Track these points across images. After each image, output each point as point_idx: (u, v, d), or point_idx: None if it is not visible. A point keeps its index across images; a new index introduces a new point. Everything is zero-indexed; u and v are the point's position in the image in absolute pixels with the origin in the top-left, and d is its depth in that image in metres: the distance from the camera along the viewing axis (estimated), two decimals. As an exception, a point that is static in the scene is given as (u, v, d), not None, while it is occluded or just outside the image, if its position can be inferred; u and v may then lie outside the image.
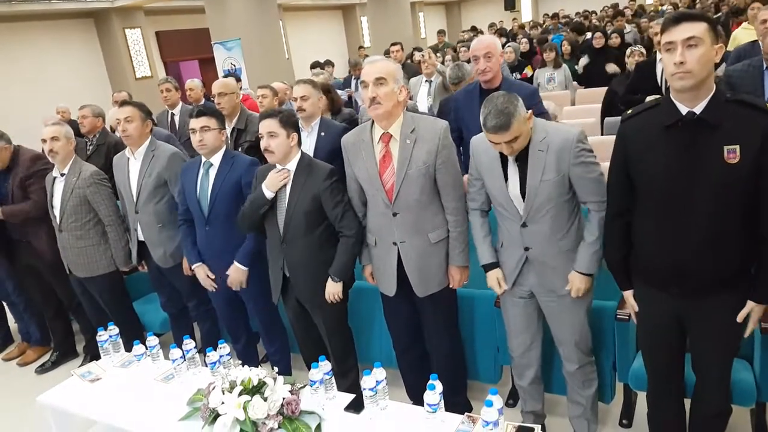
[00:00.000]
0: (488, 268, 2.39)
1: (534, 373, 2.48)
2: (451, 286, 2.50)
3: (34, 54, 9.47)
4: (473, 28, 13.71)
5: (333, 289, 2.59)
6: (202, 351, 2.86)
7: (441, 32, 12.22)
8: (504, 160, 2.16)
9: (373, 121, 2.39)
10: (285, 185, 2.57)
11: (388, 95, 2.24)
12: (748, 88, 3.26)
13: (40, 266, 3.68)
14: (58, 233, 3.33)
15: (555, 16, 13.06)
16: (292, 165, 2.58)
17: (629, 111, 1.97)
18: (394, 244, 2.41)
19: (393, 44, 7.02)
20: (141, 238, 3.20)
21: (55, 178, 3.30)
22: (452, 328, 2.63)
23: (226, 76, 5.94)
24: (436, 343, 2.62)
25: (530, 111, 2.08)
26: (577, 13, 14.16)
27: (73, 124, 4.84)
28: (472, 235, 2.43)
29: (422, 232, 2.39)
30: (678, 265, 1.88)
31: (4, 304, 4.26)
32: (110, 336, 2.86)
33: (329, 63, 8.00)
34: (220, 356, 2.49)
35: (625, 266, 2.10)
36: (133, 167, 3.14)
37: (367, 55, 10.20)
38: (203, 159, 2.88)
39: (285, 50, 8.97)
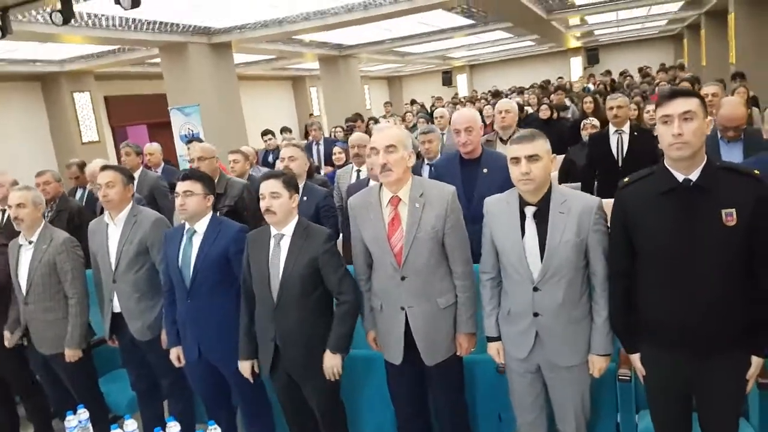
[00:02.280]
0: (491, 339, 2.39)
1: None
2: (458, 353, 2.46)
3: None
4: (413, 101, 14.50)
5: (332, 363, 2.48)
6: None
7: (388, 103, 12.79)
8: (522, 217, 2.18)
9: (381, 184, 2.41)
10: (280, 249, 2.52)
11: (398, 162, 2.27)
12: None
13: None
14: (23, 306, 3.04)
15: (497, 93, 13.85)
16: (290, 228, 2.52)
17: (626, 179, 2.08)
18: (402, 309, 2.37)
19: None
20: (116, 309, 2.99)
21: (20, 246, 3.06)
22: (460, 398, 2.56)
23: (189, 141, 5.87)
24: (443, 414, 2.54)
25: (554, 157, 2.16)
26: (511, 89, 15.16)
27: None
28: (480, 304, 2.42)
29: (431, 297, 2.36)
30: (687, 326, 1.93)
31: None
32: (79, 421, 2.54)
33: (287, 129, 8.08)
34: None
35: (631, 329, 2.14)
36: (112, 233, 2.98)
37: (317, 122, 10.29)
38: (187, 225, 2.78)
39: (242, 117, 9.02)
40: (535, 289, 2.17)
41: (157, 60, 9.89)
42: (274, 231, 2.53)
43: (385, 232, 2.35)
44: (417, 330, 2.36)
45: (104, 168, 3.00)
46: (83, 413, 2.56)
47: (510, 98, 10.38)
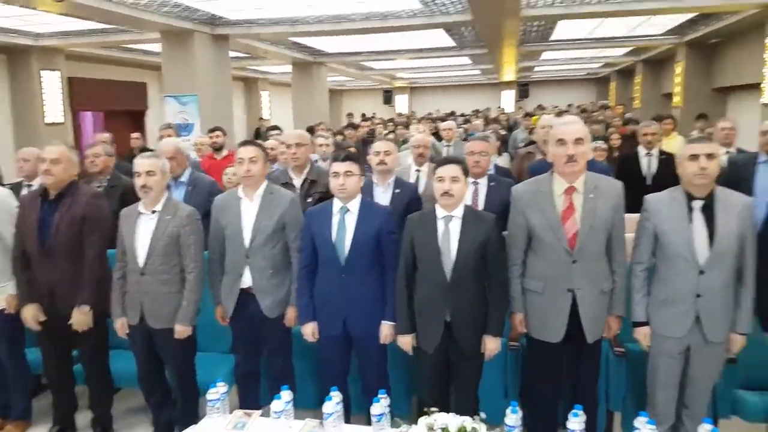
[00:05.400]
0: (639, 324, 2.66)
1: (671, 422, 2.69)
2: (605, 335, 2.70)
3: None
4: (363, 115, 14.90)
5: (495, 345, 2.67)
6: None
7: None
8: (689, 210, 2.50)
9: (552, 174, 2.62)
10: (449, 230, 2.64)
11: (584, 154, 2.51)
12: (741, 174, 4.05)
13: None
14: (138, 276, 2.91)
15: (452, 113, 14.51)
16: (459, 211, 2.65)
17: None
18: (569, 291, 2.57)
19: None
20: (245, 285, 2.95)
21: (140, 214, 2.94)
22: (598, 370, 2.80)
23: (213, 130, 5.73)
24: (585, 383, 2.74)
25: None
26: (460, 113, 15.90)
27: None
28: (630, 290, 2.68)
29: (597, 281, 2.58)
30: None
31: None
32: (221, 395, 2.55)
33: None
34: (338, 404, 2.37)
35: None
36: (247, 209, 2.95)
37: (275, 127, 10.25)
38: (338, 205, 2.83)
39: (232, 111, 8.83)
40: (701, 272, 2.46)
41: (134, 46, 9.47)
42: (442, 213, 2.65)
43: (559, 219, 2.55)
44: (585, 310, 2.57)
45: (246, 143, 2.97)
46: (223, 386, 2.56)
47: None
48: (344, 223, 2.80)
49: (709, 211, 2.48)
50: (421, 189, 3.96)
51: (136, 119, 11.93)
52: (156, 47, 8.69)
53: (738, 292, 2.55)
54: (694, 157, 2.44)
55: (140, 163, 2.88)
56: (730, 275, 2.50)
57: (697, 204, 2.49)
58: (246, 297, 2.97)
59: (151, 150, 6.42)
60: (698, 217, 2.49)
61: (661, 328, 2.61)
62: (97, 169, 4.08)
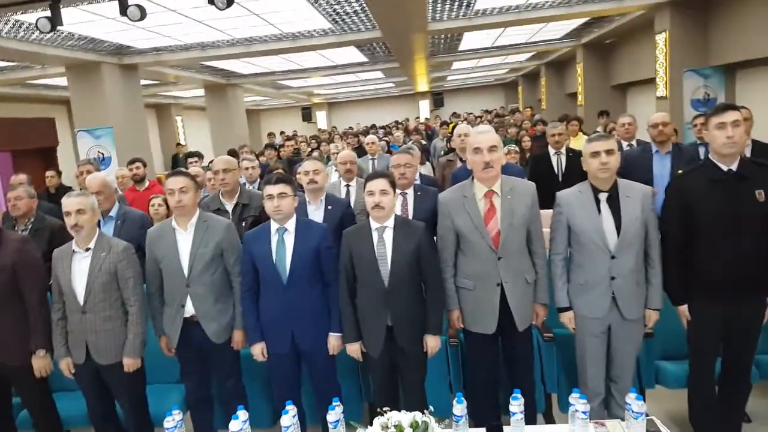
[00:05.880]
0: (563, 310, 2.91)
1: (602, 397, 2.93)
2: (534, 322, 2.93)
3: None
4: (282, 133, 14.98)
5: (436, 343, 2.83)
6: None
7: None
8: (596, 202, 2.76)
9: (472, 180, 2.84)
10: (384, 240, 2.79)
11: (498, 160, 2.75)
12: (639, 166, 4.45)
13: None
14: (79, 315, 2.87)
15: (373, 126, 14.81)
16: (391, 222, 2.82)
17: (680, 171, 2.79)
18: (498, 284, 2.78)
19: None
20: (188, 314, 2.97)
21: (74, 253, 2.90)
22: (532, 353, 3.02)
23: (132, 161, 5.62)
24: (519, 367, 2.94)
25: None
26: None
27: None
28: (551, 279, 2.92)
29: (521, 274, 2.81)
30: (731, 279, 2.64)
31: None
32: (177, 422, 2.57)
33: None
34: (294, 416, 2.45)
35: (681, 286, 2.81)
36: (182, 239, 2.98)
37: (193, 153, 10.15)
38: (276, 226, 2.93)
39: (149, 140, 8.62)
40: (613, 257, 2.73)
41: (38, 81, 9.07)
42: (375, 225, 2.81)
43: (482, 220, 2.77)
44: (513, 301, 2.79)
45: (176, 173, 3.00)
46: (178, 414, 2.58)
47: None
48: (283, 244, 2.90)
49: (614, 202, 2.75)
50: (352, 203, 4.11)
51: (47, 156, 11.33)
52: (61, 81, 8.40)
53: (648, 272, 2.83)
54: (596, 153, 2.72)
55: (69, 202, 2.85)
56: (638, 257, 2.78)
57: (603, 196, 2.76)
58: (190, 325, 2.99)
59: (69, 187, 6.28)
60: (605, 208, 2.76)
61: (583, 310, 2.86)
62: (19, 213, 3.96)
